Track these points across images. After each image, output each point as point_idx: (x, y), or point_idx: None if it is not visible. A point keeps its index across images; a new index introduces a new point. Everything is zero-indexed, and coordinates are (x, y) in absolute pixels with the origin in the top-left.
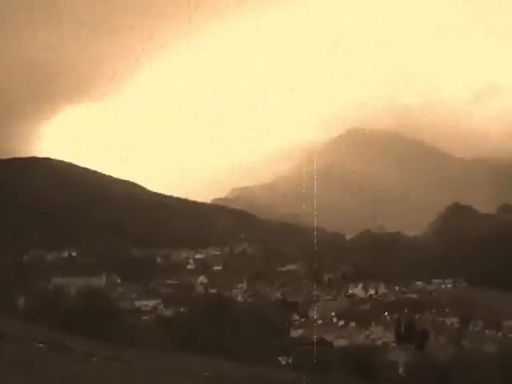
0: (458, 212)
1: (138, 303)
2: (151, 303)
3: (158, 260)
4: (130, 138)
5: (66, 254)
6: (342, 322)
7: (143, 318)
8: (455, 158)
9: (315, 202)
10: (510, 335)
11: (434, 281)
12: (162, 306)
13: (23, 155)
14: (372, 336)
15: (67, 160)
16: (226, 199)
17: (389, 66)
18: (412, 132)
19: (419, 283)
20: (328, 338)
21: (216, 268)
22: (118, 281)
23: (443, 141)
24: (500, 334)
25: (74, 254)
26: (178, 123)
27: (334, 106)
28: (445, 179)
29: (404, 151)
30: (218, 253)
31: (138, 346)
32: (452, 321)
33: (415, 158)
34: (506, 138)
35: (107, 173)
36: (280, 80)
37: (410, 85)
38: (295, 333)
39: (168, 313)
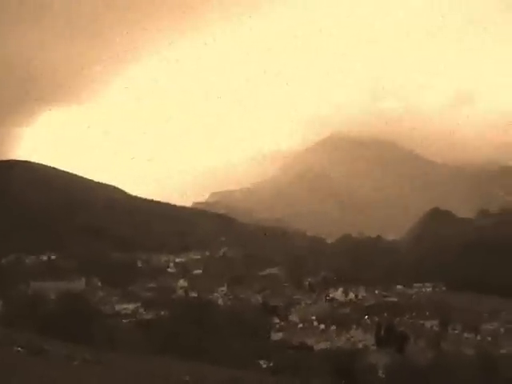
0: (437, 217)
1: (118, 307)
2: (131, 307)
3: (139, 264)
4: (110, 142)
5: (45, 258)
6: (322, 326)
7: (123, 321)
8: (435, 163)
9: (296, 207)
10: (488, 339)
11: (414, 285)
12: (142, 310)
13: (2, 158)
14: (352, 339)
15: (47, 163)
16: (205, 203)
17: (370, 72)
18: (393, 137)
19: (399, 287)
20: (309, 341)
21: (196, 272)
22: (99, 284)
23: (423, 146)
24: (479, 337)
25: (53, 257)
26: (156, 128)
27: (315, 111)
28: (425, 184)
29: (385, 156)
30: (198, 257)
31: (119, 349)
32: (431, 324)
33: (396, 163)
34: (484, 144)
35: (88, 177)
36: (262, 85)
37: (391, 90)
38: (276, 336)
39: (148, 316)
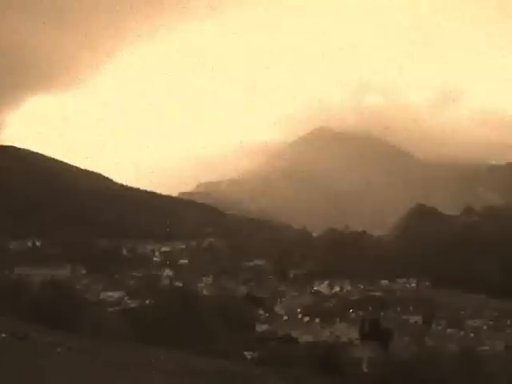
0: (422, 213)
1: (103, 295)
2: (116, 295)
3: (124, 252)
4: (97, 130)
5: (29, 244)
6: (307, 318)
7: (108, 309)
8: (420, 159)
9: (282, 199)
10: (471, 335)
11: (398, 280)
12: (127, 298)
13: None
14: (337, 333)
15: (33, 149)
16: (192, 193)
17: (357, 68)
18: (378, 132)
19: (384, 282)
20: (293, 333)
21: (182, 261)
22: (83, 272)
23: (408, 142)
24: (462, 333)
25: (38, 243)
26: (144, 115)
27: (302, 105)
28: (410, 180)
29: (370, 151)
30: (184, 246)
31: (103, 337)
32: (415, 319)
33: (382, 159)
34: (471, 141)
35: (74, 163)
36: (247, 76)
37: (378, 86)
38: (261, 328)
39: (133, 305)
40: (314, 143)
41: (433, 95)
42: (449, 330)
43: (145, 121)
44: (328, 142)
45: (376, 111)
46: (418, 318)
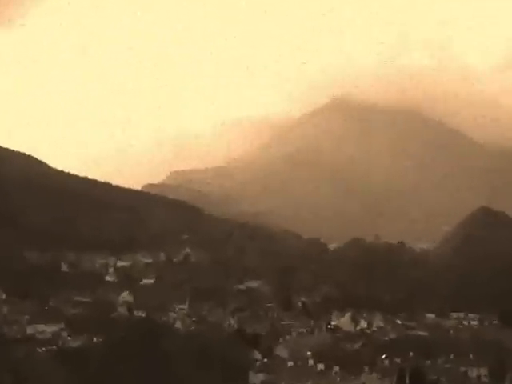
0: (486, 220)
1: (31, 329)
2: (50, 329)
3: (64, 268)
4: (34, 96)
5: None
6: (321, 366)
7: (38, 350)
8: (481, 145)
9: (286, 197)
10: None
11: (452, 314)
12: (65, 334)
13: None
14: None
15: None
16: (162, 185)
17: (390, 15)
18: (420, 106)
19: (431, 316)
20: None
21: (146, 281)
22: (3, 297)
23: (465, 121)
24: None
25: None
26: (100, 77)
27: (311, 67)
28: (468, 174)
29: (408, 132)
30: (149, 260)
31: None
32: (478, 373)
33: (426, 143)
34: None
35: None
36: (241, 25)
37: (417, 43)
38: (256, 378)
39: (75, 344)
40: (330, 120)
41: (492, 57)
42: None
43: (99, 88)
44: (349, 118)
45: (414, 75)
46: (483, 371)
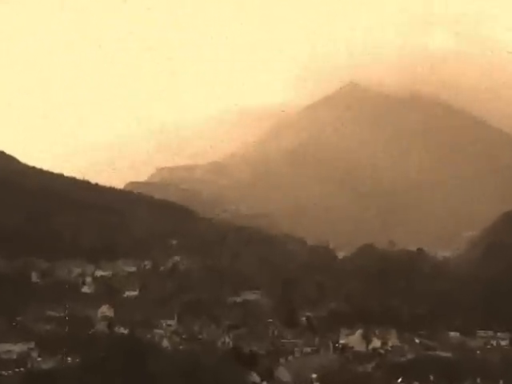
0: None
1: None
2: (19, 348)
3: (33, 278)
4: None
5: None
6: None
7: (4, 373)
8: (508, 134)
9: (289, 197)
10: None
11: (479, 333)
12: (36, 354)
13: None
14: None
15: None
16: (147, 184)
17: None
18: (440, 92)
19: (455, 335)
20: None
21: (129, 293)
22: None
23: (495, 111)
24: None
25: None
26: (78, 62)
27: (319, 49)
28: (497, 170)
29: (428, 121)
30: (132, 269)
31: None
32: None
33: (451, 135)
34: None
35: None
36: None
37: (440, 19)
38: None
39: (47, 365)
40: (342, 108)
41: None
42: None
43: (75, 71)
44: (360, 106)
45: (439, 59)
46: None
